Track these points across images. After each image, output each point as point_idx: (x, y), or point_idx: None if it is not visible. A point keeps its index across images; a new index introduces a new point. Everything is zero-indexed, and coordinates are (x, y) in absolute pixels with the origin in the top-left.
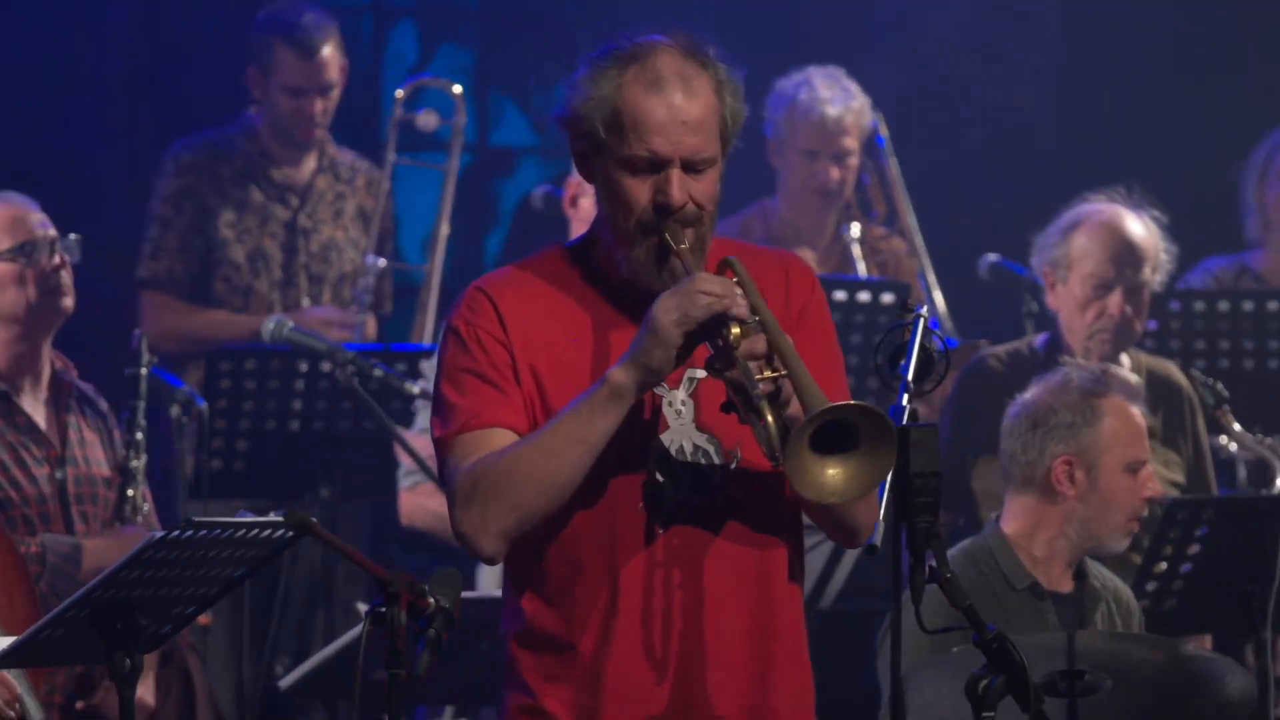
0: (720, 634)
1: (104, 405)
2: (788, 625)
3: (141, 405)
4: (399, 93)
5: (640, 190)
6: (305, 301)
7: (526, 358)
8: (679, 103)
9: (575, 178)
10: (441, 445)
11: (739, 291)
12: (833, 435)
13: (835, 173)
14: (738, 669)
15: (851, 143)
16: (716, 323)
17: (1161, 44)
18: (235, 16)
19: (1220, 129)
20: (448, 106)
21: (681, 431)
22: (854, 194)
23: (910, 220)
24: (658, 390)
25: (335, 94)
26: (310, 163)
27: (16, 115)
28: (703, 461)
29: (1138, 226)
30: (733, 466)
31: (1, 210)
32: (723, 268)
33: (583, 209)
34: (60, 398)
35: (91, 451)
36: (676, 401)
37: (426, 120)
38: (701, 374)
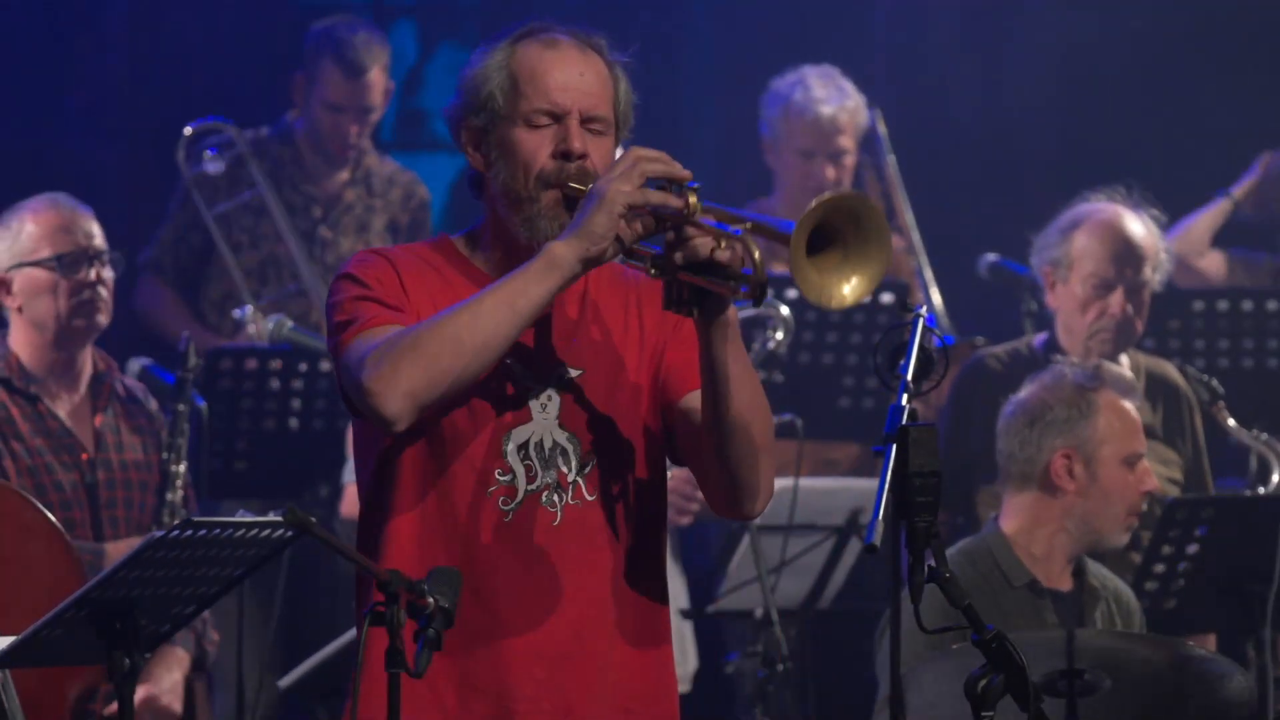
0: (554, 628)
1: (154, 405)
2: (634, 626)
3: (184, 410)
4: (187, 130)
5: (539, 143)
6: (315, 315)
7: (416, 309)
8: (576, 60)
9: None
10: (340, 347)
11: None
12: (823, 240)
13: (831, 172)
14: (569, 664)
15: (847, 141)
16: (666, 210)
17: (1161, 43)
18: (236, 16)
19: (1220, 129)
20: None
21: (544, 426)
22: None
23: (908, 217)
24: (526, 382)
25: (374, 117)
26: (343, 174)
27: (16, 114)
28: (560, 459)
29: (1138, 226)
30: (588, 469)
31: (49, 216)
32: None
33: None
34: (98, 399)
35: (129, 455)
36: (543, 396)
37: (214, 164)
38: (574, 372)
